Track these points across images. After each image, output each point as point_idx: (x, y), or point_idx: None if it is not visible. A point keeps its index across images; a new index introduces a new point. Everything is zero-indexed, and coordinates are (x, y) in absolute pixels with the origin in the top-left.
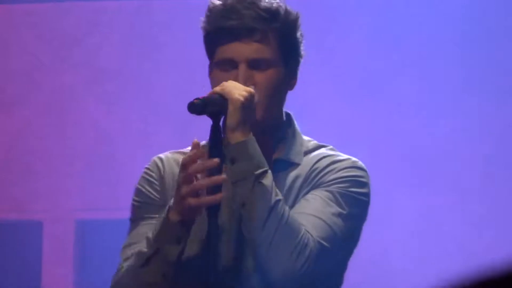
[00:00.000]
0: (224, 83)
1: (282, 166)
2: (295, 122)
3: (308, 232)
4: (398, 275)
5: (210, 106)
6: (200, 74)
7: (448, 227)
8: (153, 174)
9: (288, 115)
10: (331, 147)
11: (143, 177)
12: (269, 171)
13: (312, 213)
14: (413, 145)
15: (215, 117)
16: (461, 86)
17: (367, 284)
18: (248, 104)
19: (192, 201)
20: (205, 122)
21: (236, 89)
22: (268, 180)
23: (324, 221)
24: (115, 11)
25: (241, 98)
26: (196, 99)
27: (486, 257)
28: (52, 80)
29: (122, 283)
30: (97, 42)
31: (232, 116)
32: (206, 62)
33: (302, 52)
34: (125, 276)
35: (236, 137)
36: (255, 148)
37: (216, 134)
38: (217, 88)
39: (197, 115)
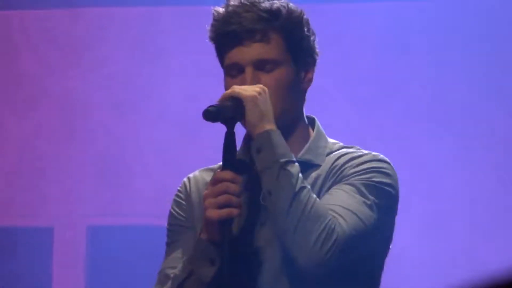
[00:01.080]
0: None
1: (303, 167)
2: (319, 125)
3: (335, 218)
4: (405, 280)
5: (225, 112)
6: (210, 80)
7: (455, 233)
8: (182, 195)
9: (311, 118)
10: (357, 147)
11: (174, 199)
12: (296, 163)
13: (338, 204)
14: (420, 150)
15: (229, 123)
16: (470, 92)
17: None
18: (263, 98)
19: (211, 213)
20: (215, 128)
21: (247, 88)
22: (294, 168)
23: (350, 210)
24: (125, 17)
25: (256, 94)
26: (211, 106)
27: (492, 263)
28: (63, 85)
29: None
30: (107, 47)
31: (252, 113)
32: (216, 68)
33: (317, 50)
34: None
35: (258, 129)
36: (279, 139)
37: (231, 140)
38: (228, 92)
39: (212, 122)
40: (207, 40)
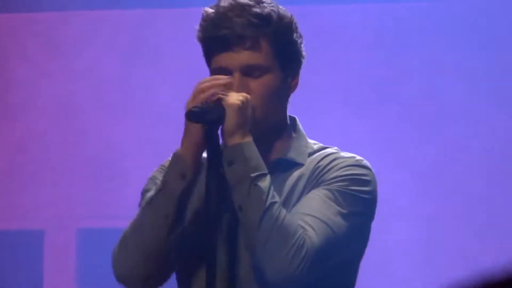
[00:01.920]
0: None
1: (285, 166)
2: (300, 125)
3: (305, 233)
4: (401, 283)
5: (209, 114)
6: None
7: (451, 234)
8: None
9: (293, 119)
10: (336, 148)
11: (157, 170)
12: (268, 175)
13: (311, 213)
14: (416, 151)
15: (212, 125)
16: (466, 94)
17: None
18: (244, 107)
19: (191, 101)
20: None
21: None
22: (265, 183)
23: (322, 221)
24: (118, 20)
25: (238, 102)
26: (194, 107)
27: (489, 264)
28: (55, 88)
29: (125, 237)
30: (99, 50)
31: (230, 120)
32: (207, 69)
33: (303, 53)
34: (128, 229)
35: (233, 140)
36: (253, 151)
37: (213, 142)
38: (207, 94)
39: (196, 123)
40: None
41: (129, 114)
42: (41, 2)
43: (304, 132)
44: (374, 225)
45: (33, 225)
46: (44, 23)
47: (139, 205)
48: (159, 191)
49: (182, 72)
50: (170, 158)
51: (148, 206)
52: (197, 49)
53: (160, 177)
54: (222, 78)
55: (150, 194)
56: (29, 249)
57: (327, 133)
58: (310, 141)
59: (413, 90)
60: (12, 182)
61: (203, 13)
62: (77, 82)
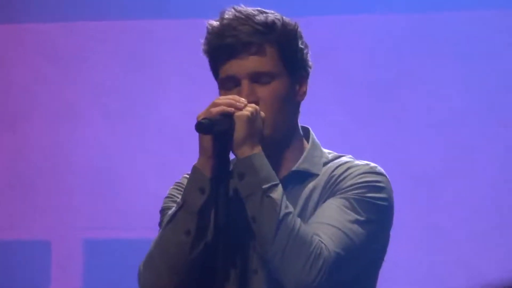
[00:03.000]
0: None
1: (300, 177)
2: (314, 135)
3: (322, 242)
4: None
5: (218, 125)
6: (204, 91)
7: (454, 242)
8: (184, 186)
9: (306, 129)
10: (350, 156)
11: (173, 188)
12: (279, 185)
13: (327, 222)
14: (418, 160)
15: (221, 136)
16: (469, 100)
17: None
18: (254, 118)
19: (210, 109)
20: None
21: (239, 103)
22: (277, 193)
23: (339, 229)
24: (120, 30)
25: (247, 113)
26: (204, 119)
27: (492, 273)
28: (57, 97)
29: (150, 255)
30: (101, 60)
31: (239, 131)
32: (210, 79)
33: (310, 62)
34: (152, 246)
35: (243, 152)
36: (263, 162)
37: (223, 154)
38: (219, 109)
39: (204, 134)
40: (201, 53)
41: (134, 124)
42: (44, 12)
43: (318, 142)
44: None
45: (39, 235)
46: (46, 33)
47: (159, 224)
48: (179, 207)
49: (184, 83)
50: (184, 176)
51: (170, 223)
52: (199, 60)
53: (176, 194)
54: (241, 100)
55: (171, 211)
56: (36, 259)
57: (327, 140)
58: (325, 150)
59: (415, 97)
60: (18, 193)
61: (207, 26)
62: (79, 92)
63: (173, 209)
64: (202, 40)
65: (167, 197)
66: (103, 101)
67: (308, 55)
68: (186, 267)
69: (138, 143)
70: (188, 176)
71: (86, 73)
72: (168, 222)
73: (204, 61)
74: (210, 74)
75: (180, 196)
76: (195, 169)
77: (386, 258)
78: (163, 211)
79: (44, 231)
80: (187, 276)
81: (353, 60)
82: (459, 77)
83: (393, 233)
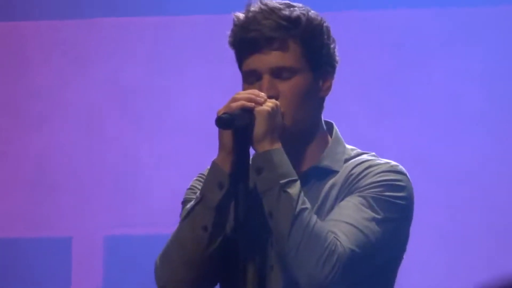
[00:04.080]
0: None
1: (320, 173)
2: (337, 131)
3: (337, 239)
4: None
5: (238, 120)
6: (225, 90)
7: (471, 240)
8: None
9: (330, 124)
10: (373, 153)
11: (196, 179)
12: (297, 181)
13: (344, 220)
14: (436, 158)
15: (241, 132)
16: (488, 97)
17: None
18: (274, 114)
19: (230, 103)
20: None
21: (259, 98)
22: (294, 189)
23: (355, 226)
24: (140, 27)
25: (268, 108)
26: (224, 113)
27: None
28: (78, 97)
29: (167, 250)
30: (122, 58)
31: (259, 127)
32: (230, 78)
33: (337, 57)
34: (169, 241)
35: (262, 146)
36: (282, 158)
37: (242, 147)
38: (239, 103)
39: (224, 129)
40: (222, 49)
41: (154, 122)
42: (65, 10)
43: (341, 138)
44: None
45: (60, 232)
46: (66, 31)
47: (180, 215)
48: (197, 202)
49: (205, 81)
50: (208, 168)
51: (187, 218)
52: (220, 57)
53: (198, 186)
54: (261, 95)
55: (189, 205)
56: (57, 256)
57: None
58: (348, 146)
59: (433, 93)
60: (39, 190)
61: (234, 18)
62: (101, 91)
63: (191, 203)
64: (228, 33)
65: (189, 188)
66: (125, 100)
67: (335, 50)
68: (203, 263)
69: (158, 141)
70: None
71: (107, 72)
72: (185, 217)
73: (227, 58)
74: (233, 72)
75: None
76: (214, 164)
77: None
78: (184, 202)
79: (66, 228)
80: (203, 271)
81: (368, 55)
82: (477, 73)
83: (414, 228)
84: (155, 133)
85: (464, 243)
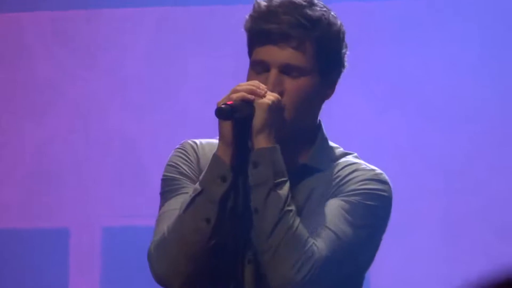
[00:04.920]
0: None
1: (307, 171)
2: (323, 129)
3: (315, 244)
4: (421, 281)
5: (237, 112)
6: (227, 81)
7: (472, 234)
8: (188, 153)
9: (318, 121)
10: (355, 154)
11: (177, 155)
12: (287, 182)
13: (325, 223)
14: (435, 151)
15: (241, 123)
16: (486, 90)
17: None
18: (275, 107)
19: (230, 95)
20: None
21: (259, 90)
22: (284, 190)
23: (334, 232)
24: (140, 18)
25: (268, 102)
26: (224, 104)
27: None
28: (79, 88)
29: (164, 241)
30: (122, 49)
31: (258, 119)
32: (232, 68)
33: (345, 63)
34: (166, 234)
35: (261, 142)
36: (278, 156)
37: (241, 139)
38: (239, 95)
39: (224, 120)
40: (225, 41)
41: (152, 114)
42: (65, 0)
43: (326, 137)
44: (396, 225)
45: (58, 223)
46: (67, 21)
47: (161, 194)
48: (198, 194)
49: (206, 71)
50: (189, 142)
51: (188, 210)
52: (222, 48)
53: (182, 164)
54: (261, 87)
55: (188, 196)
56: (55, 247)
57: (346, 131)
58: (332, 144)
59: (433, 86)
60: (37, 181)
61: (254, 4)
62: (101, 81)
63: (190, 194)
64: (246, 17)
65: (170, 165)
66: (125, 91)
67: (346, 55)
68: (203, 255)
69: (158, 132)
70: (193, 144)
71: (108, 63)
72: (186, 209)
73: (229, 50)
74: (234, 63)
75: (185, 168)
76: (215, 157)
77: (403, 249)
78: (166, 181)
79: (63, 219)
80: (203, 264)
81: (372, 48)
82: (484, 65)
83: (411, 220)
84: (155, 124)
85: (461, 232)
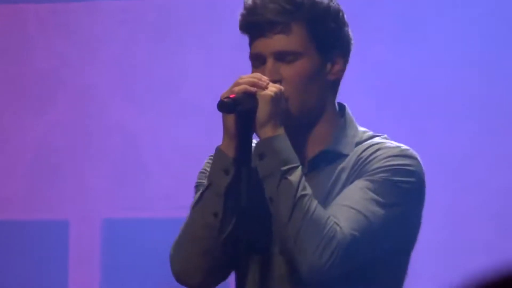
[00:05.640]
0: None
1: (330, 157)
2: (350, 113)
3: (337, 224)
4: (422, 274)
5: (240, 105)
6: (228, 74)
7: (473, 227)
8: None
9: (341, 106)
10: (384, 136)
11: (207, 162)
12: (299, 167)
13: (347, 204)
14: (438, 146)
15: (245, 116)
16: (485, 87)
17: None
18: (277, 98)
19: (233, 88)
20: None
21: (261, 82)
22: (295, 176)
23: (358, 211)
24: (142, 9)
25: (271, 93)
26: (226, 97)
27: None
28: (80, 80)
29: (179, 239)
30: (123, 41)
31: (262, 111)
32: (231, 61)
33: (349, 39)
34: (182, 228)
35: (265, 132)
36: (284, 144)
37: (245, 131)
38: (241, 88)
39: (226, 114)
40: (225, 33)
41: (155, 105)
42: None
43: (353, 120)
44: None
45: (58, 215)
46: (68, 13)
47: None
48: (205, 189)
49: (207, 64)
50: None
51: (197, 206)
52: (223, 40)
53: (208, 169)
54: (263, 79)
55: (198, 193)
56: (55, 239)
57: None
58: (361, 129)
59: (434, 82)
60: (38, 174)
61: (244, 2)
62: (101, 74)
63: (200, 190)
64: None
65: (201, 172)
66: (125, 84)
67: (348, 32)
68: (216, 250)
69: (159, 124)
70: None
71: (109, 55)
72: (195, 205)
73: (230, 42)
74: (235, 56)
75: None
76: (218, 150)
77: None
78: (197, 186)
79: (63, 211)
80: (218, 259)
81: (373, 39)
82: (485, 58)
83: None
84: (155, 117)
85: (463, 229)
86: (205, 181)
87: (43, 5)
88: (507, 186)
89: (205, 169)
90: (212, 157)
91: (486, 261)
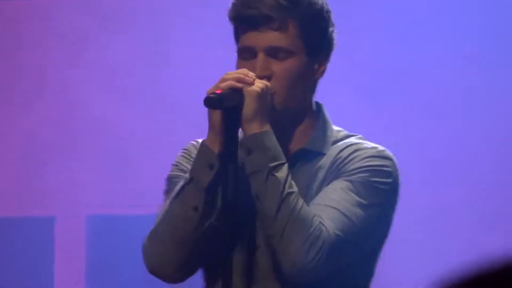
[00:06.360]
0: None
1: (307, 155)
2: (326, 112)
3: (322, 224)
4: (406, 273)
5: (226, 100)
6: (212, 69)
7: (458, 225)
8: (191, 153)
9: (318, 105)
10: (360, 136)
11: (180, 155)
12: (286, 164)
13: (329, 204)
14: (423, 142)
15: (230, 112)
16: (473, 83)
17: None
18: (264, 94)
19: (219, 84)
20: None
21: (248, 78)
22: (282, 173)
23: (340, 211)
24: (127, 6)
25: (257, 89)
26: (212, 93)
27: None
28: (64, 76)
29: (156, 230)
30: (108, 37)
31: (249, 107)
32: (218, 57)
33: (334, 41)
34: (158, 221)
35: (252, 128)
36: (271, 140)
37: (231, 127)
38: (228, 83)
39: (212, 110)
40: (211, 29)
41: (140, 103)
42: None
43: (328, 119)
44: None
45: (44, 212)
46: (51, 9)
47: (165, 192)
48: (187, 183)
49: (192, 60)
50: (192, 142)
51: (178, 198)
52: (208, 35)
53: (185, 163)
54: (250, 75)
55: (178, 185)
56: (40, 235)
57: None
58: (335, 128)
59: (421, 79)
60: (23, 170)
61: None
62: (88, 70)
63: (181, 183)
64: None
65: (174, 164)
66: (112, 80)
67: (334, 34)
68: (193, 243)
69: (145, 120)
70: (195, 143)
71: (95, 51)
72: (175, 197)
73: (216, 39)
74: (221, 52)
75: (187, 166)
76: (203, 145)
77: (392, 242)
78: (169, 179)
79: (49, 208)
80: (194, 250)
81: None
82: (472, 56)
83: (401, 214)
84: (141, 113)
85: (446, 223)
86: (177, 174)
87: (25, 1)
88: (490, 180)
89: (179, 162)
90: (185, 151)
91: (469, 257)
